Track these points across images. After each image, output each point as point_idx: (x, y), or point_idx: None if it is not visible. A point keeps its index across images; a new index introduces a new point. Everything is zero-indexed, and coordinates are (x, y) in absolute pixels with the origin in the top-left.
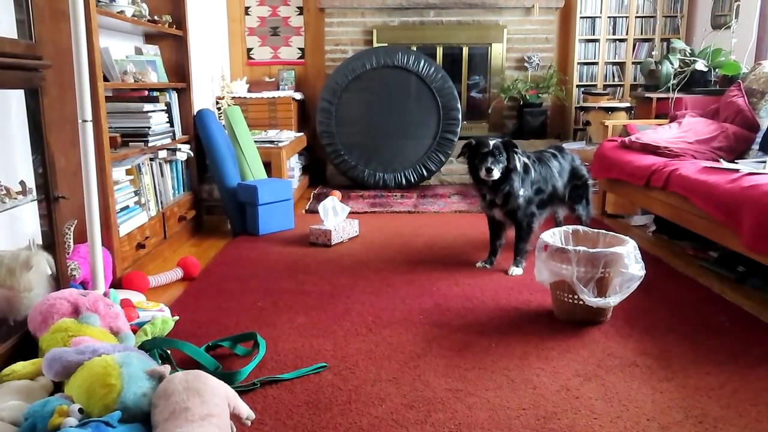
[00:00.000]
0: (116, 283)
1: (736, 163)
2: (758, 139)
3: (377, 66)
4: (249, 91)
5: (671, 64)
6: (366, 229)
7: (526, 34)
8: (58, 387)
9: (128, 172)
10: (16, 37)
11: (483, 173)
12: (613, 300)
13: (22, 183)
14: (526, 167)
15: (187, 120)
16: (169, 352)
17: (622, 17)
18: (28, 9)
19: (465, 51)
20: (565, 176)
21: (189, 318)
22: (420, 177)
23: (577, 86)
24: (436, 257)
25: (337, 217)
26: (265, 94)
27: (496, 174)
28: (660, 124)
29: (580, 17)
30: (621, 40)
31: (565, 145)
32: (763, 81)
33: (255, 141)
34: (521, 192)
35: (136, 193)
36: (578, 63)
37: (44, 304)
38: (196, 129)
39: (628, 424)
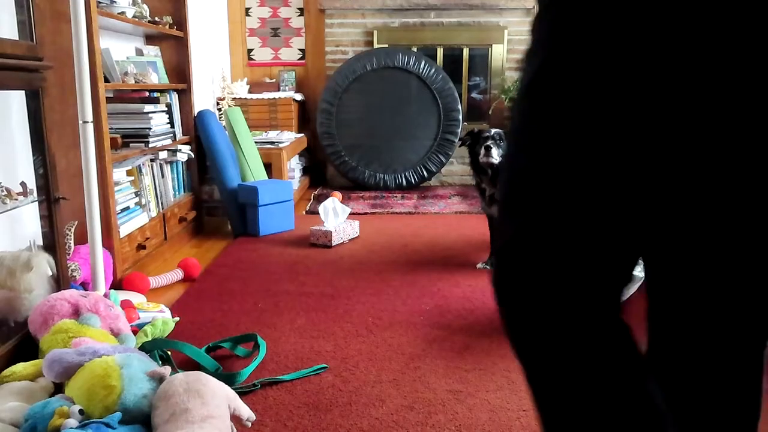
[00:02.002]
0: (117, 284)
1: None
2: None
3: (378, 67)
4: (249, 92)
5: None
6: (366, 230)
7: (527, 35)
8: (58, 388)
9: (129, 173)
10: (17, 39)
11: (482, 154)
12: None
13: (22, 184)
14: None
15: (187, 121)
16: (169, 353)
17: None
18: (29, 10)
19: (465, 52)
20: None
21: (189, 319)
22: (420, 178)
23: None
24: (437, 258)
25: (337, 218)
26: (266, 95)
27: (495, 155)
28: None
29: None
30: None
31: None
32: None
33: (255, 142)
34: None
35: (137, 194)
36: None
37: (45, 305)
38: (196, 130)
39: None
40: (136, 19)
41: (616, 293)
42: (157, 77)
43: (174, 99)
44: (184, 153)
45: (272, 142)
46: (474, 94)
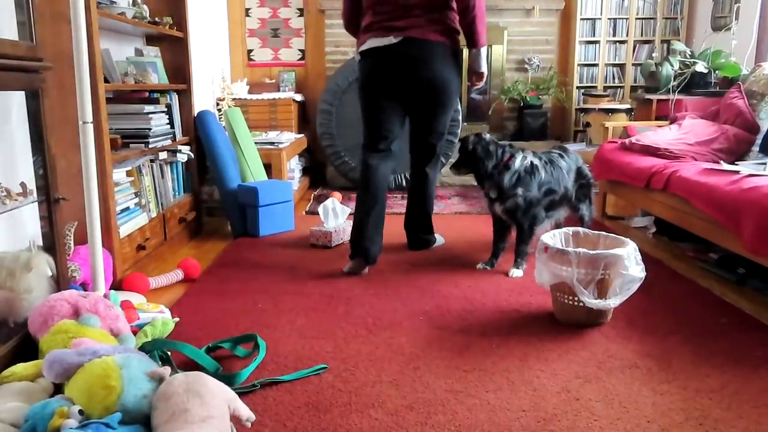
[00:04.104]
0: (116, 285)
1: (737, 164)
2: (758, 141)
3: None
4: (249, 92)
5: (671, 65)
6: None
7: (527, 36)
8: (58, 388)
9: (129, 174)
10: (17, 39)
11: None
12: (613, 302)
13: (22, 185)
14: (532, 168)
15: (187, 121)
16: (169, 353)
17: (622, 19)
18: (29, 11)
19: (465, 53)
20: (572, 176)
21: (189, 320)
22: None
23: (578, 88)
24: (437, 259)
25: (337, 218)
26: (266, 96)
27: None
28: (660, 126)
29: (581, 19)
30: (621, 42)
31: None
32: (763, 83)
33: (255, 142)
34: (519, 191)
35: (137, 195)
36: (578, 65)
37: (44, 305)
38: (196, 130)
39: (629, 426)
40: (136, 20)
41: (386, 146)
42: (157, 78)
43: (174, 99)
44: (184, 153)
45: (272, 143)
46: (474, 95)
